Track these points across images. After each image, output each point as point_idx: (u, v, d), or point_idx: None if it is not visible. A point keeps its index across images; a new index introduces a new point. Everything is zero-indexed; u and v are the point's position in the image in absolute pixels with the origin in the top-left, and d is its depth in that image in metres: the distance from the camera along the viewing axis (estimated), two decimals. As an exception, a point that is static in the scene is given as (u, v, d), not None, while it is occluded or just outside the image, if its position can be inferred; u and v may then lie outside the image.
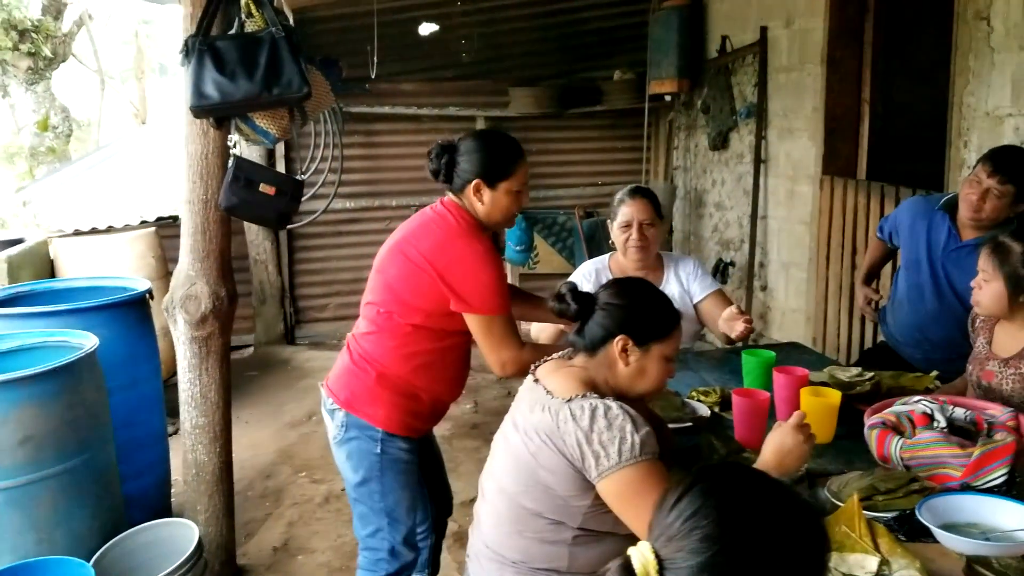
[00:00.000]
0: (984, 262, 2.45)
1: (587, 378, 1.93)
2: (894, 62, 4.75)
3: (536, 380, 2.00)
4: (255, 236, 6.16)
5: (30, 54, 7.94)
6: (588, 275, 3.25)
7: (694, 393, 2.60)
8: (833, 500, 1.86)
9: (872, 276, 3.67)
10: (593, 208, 6.82)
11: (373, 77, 5.66)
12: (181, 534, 2.93)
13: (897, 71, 4.80)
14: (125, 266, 4.82)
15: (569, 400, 1.84)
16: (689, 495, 1.10)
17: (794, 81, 4.98)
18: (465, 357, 2.64)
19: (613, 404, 1.82)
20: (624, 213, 3.14)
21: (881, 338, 3.57)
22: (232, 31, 3.02)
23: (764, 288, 5.41)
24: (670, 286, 3.22)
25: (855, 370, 2.62)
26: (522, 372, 2.24)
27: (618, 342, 1.91)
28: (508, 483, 1.93)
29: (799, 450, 1.84)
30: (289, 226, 6.27)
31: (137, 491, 3.52)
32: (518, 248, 6.01)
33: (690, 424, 2.33)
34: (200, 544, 2.85)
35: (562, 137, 6.85)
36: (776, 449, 1.84)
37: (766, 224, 5.36)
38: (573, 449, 1.79)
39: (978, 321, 2.62)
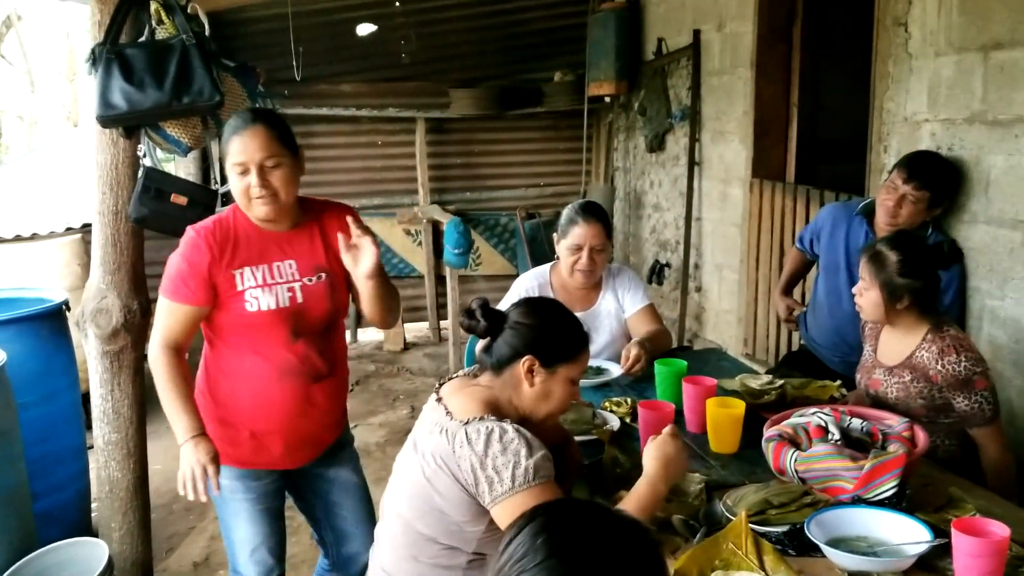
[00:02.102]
0: (863, 270, 2.49)
1: (490, 398, 1.92)
2: (822, 67, 4.81)
3: (439, 399, 1.98)
4: (190, 240, 6.04)
5: (-44, 55, 7.74)
6: (530, 292, 3.18)
7: (607, 404, 2.60)
8: (727, 514, 1.86)
9: (791, 287, 3.72)
10: (535, 209, 6.83)
11: (298, 79, 5.56)
12: (92, 553, 2.86)
13: (825, 76, 4.86)
14: (49, 275, 4.71)
15: (466, 423, 1.83)
16: (519, 536, 1.07)
17: (726, 84, 5.01)
18: (268, 378, 2.37)
19: (509, 427, 1.81)
20: (576, 235, 3.06)
21: (803, 341, 3.61)
22: (142, 38, 2.96)
23: (699, 289, 5.45)
24: (607, 301, 3.20)
25: (766, 378, 2.64)
26: (152, 365, 2.34)
27: (524, 362, 1.90)
28: (404, 507, 1.91)
29: (680, 456, 1.88)
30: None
31: (55, 507, 3.45)
32: (456, 251, 5.97)
33: (596, 437, 2.32)
34: (110, 563, 2.79)
35: (503, 138, 6.84)
36: (660, 458, 1.86)
37: (700, 226, 5.40)
38: (467, 475, 1.78)
39: (867, 329, 2.65)
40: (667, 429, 1.93)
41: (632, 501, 1.82)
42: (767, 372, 3.58)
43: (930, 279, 2.45)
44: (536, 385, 1.92)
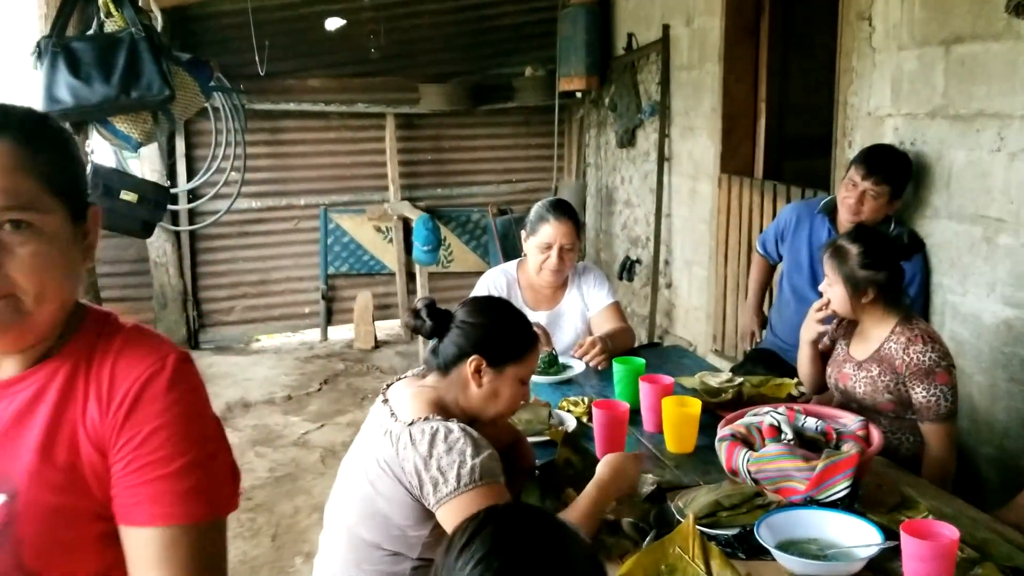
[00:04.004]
0: (826, 266, 2.49)
1: (436, 399, 1.88)
2: (791, 62, 4.78)
3: (385, 400, 1.94)
4: (155, 238, 5.94)
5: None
6: (498, 287, 3.13)
7: (564, 403, 2.56)
8: (678, 517, 1.83)
9: (762, 299, 3.73)
10: (506, 205, 6.78)
11: (261, 74, 5.47)
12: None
13: (793, 71, 4.84)
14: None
15: (411, 424, 1.79)
16: (478, 539, 1.09)
17: (694, 80, 4.98)
18: None
19: (455, 427, 1.77)
20: (546, 233, 3.01)
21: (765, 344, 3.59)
22: (90, 32, 2.90)
23: (669, 285, 5.42)
24: (572, 300, 3.17)
25: (725, 376, 2.62)
26: None
27: (471, 362, 1.87)
28: (347, 513, 1.87)
29: (634, 478, 1.90)
30: (191, 227, 6.10)
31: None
32: (425, 248, 5.91)
33: (548, 438, 2.28)
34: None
35: (474, 134, 6.78)
36: (615, 471, 1.86)
37: (670, 222, 5.37)
38: (411, 476, 1.74)
39: (844, 323, 2.63)
40: (635, 452, 1.95)
41: (580, 501, 1.80)
42: (730, 369, 3.56)
43: (893, 270, 2.44)
44: (484, 385, 1.88)
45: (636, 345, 4.91)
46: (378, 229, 6.60)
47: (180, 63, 3.05)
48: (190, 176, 6.04)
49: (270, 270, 6.47)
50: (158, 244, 6.01)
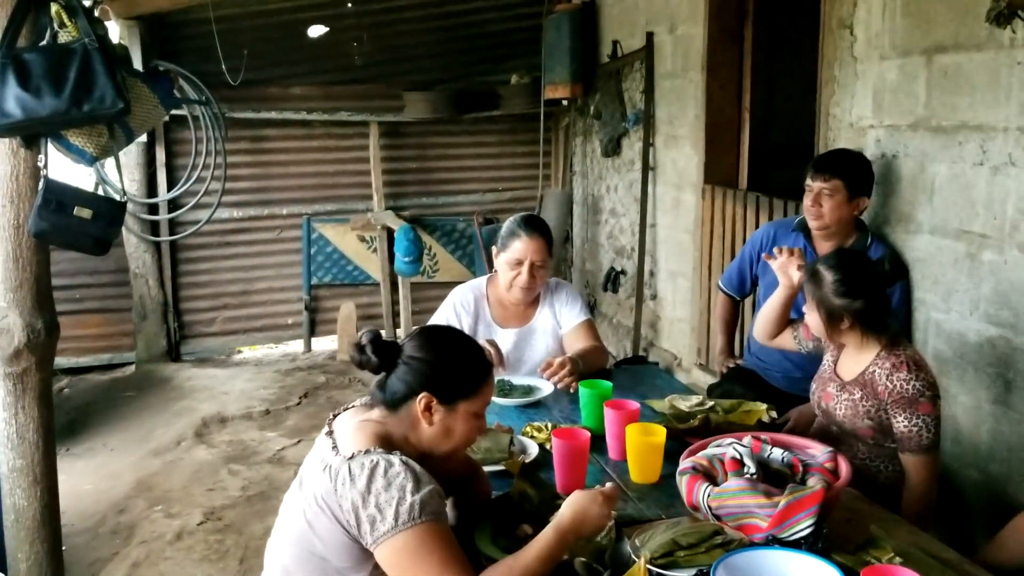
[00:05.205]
0: (805, 290, 2.40)
1: (382, 432, 1.79)
2: (776, 70, 4.69)
3: (330, 432, 1.85)
4: (134, 249, 5.88)
5: None
6: (466, 305, 3.07)
7: (528, 428, 2.46)
8: (634, 556, 1.73)
9: (731, 340, 3.66)
10: (492, 214, 6.68)
11: (234, 83, 5.38)
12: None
13: (778, 79, 4.74)
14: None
15: (351, 457, 1.70)
16: None
17: (678, 88, 4.89)
18: None
19: (396, 460, 1.68)
20: (517, 249, 2.94)
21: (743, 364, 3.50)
22: (43, 42, 2.80)
23: (654, 297, 5.32)
24: (543, 317, 3.10)
25: (696, 399, 2.51)
26: None
27: (421, 400, 1.77)
28: (285, 556, 1.77)
29: (601, 521, 1.75)
30: (172, 237, 6.00)
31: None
32: (407, 259, 5.83)
33: (504, 468, 2.17)
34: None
35: (459, 142, 6.70)
36: (578, 515, 1.72)
37: (655, 232, 5.27)
38: (348, 515, 1.65)
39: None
40: (608, 489, 1.79)
41: (534, 547, 1.68)
42: (709, 387, 3.47)
43: (871, 299, 2.34)
44: (435, 424, 1.79)
45: (622, 358, 4.82)
46: (362, 239, 6.51)
47: (137, 75, 2.96)
48: (170, 185, 5.95)
49: (252, 280, 6.38)
50: (138, 255, 5.92)
